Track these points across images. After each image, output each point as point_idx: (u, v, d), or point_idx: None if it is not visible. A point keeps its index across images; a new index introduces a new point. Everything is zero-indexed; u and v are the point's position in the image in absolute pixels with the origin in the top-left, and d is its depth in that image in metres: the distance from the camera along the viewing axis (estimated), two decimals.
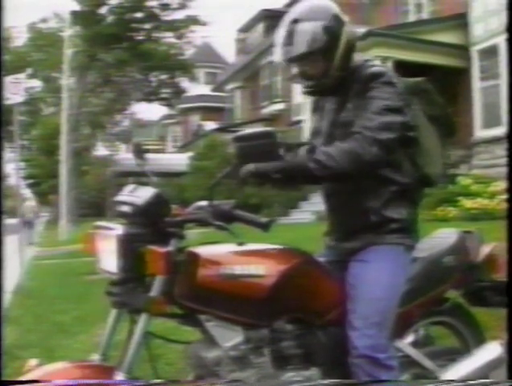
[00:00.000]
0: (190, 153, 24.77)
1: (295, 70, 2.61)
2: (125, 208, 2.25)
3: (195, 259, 2.28)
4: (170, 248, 2.19)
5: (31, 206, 27.98)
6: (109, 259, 2.20)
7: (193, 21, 32.71)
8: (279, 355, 2.39)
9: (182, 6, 31.88)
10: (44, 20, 48.95)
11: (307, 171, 2.32)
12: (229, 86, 34.90)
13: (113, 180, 32.03)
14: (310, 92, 2.67)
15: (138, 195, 2.26)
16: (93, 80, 33.36)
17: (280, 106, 26.95)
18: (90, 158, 42.83)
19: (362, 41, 17.87)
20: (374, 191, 2.57)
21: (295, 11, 2.56)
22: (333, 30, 2.51)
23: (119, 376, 2.10)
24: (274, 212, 16.54)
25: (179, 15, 32.35)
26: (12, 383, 1.97)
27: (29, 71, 40.77)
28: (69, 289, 8.52)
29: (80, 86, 31.83)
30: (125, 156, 33.19)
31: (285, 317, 2.42)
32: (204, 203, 2.35)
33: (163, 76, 34.62)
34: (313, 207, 15.95)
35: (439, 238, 2.88)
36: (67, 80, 28.88)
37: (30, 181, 46.26)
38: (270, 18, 29.45)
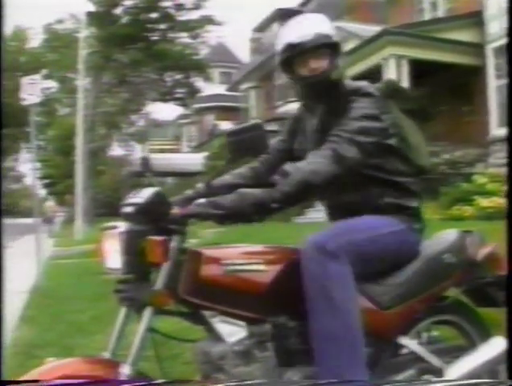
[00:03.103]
0: (205, 153, 24.81)
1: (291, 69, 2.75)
2: (128, 209, 2.35)
3: (197, 256, 2.38)
4: (167, 237, 2.28)
5: (51, 205, 28.27)
6: (113, 257, 2.30)
7: (208, 21, 32.75)
8: (283, 350, 2.44)
9: (197, 6, 31.94)
10: (60, 21, 49.17)
11: (308, 186, 2.42)
12: (244, 86, 34.93)
13: (128, 180, 32.11)
14: (300, 91, 2.82)
15: (140, 195, 2.36)
16: (109, 80, 33.46)
17: (295, 105, 26.88)
18: (106, 158, 43.03)
19: (377, 40, 17.85)
20: (372, 189, 2.72)
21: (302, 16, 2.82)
22: (332, 37, 2.69)
23: (125, 369, 2.16)
24: (291, 212, 16.50)
25: (194, 15, 32.44)
26: (12, 383, 1.99)
27: (44, 72, 41.02)
28: (85, 289, 8.54)
29: (95, 86, 31.96)
30: (140, 156, 33.25)
31: (286, 312, 2.46)
32: (202, 199, 2.40)
33: (178, 76, 34.66)
34: None
35: (439, 237, 2.95)
36: (82, 81, 29.00)
37: (47, 181, 46.55)
38: (285, 17, 29.39)
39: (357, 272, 2.46)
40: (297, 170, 2.42)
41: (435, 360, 2.73)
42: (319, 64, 2.66)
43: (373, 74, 17.33)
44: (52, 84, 44.25)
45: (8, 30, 58.66)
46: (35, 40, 52.60)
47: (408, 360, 2.71)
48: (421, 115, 2.90)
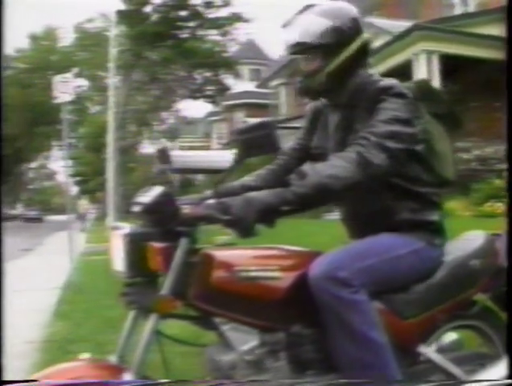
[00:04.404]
0: (233, 150, 24.79)
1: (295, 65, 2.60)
2: (136, 208, 2.26)
3: (210, 260, 2.25)
4: (170, 244, 2.17)
5: (84, 202, 28.62)
6: (118, 259, 2.23)
7: (237, 18, 32.82)
8: (297, 359, 2.31)
9: (226, 4, 32.03)
10: (90, 20, 49.69)
11: (325, 190, 2.23)
12: (274, 82, 34.93)
13: (159, 177, 32.30)
14: (301, 90, 2.62)
15: (148, 194, 2.25)
16: (139, 78, 33.70)
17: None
18: (137, 156, 43.32)
19: (408, 35, 17.75)
20: (395, 201, 2.52)
21: (315, 7, 2.55)
22: (342, 33, 2.47)
23: (127, 376, 2.08)
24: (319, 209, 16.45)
25: (223, 13, 32.53)
26: (12, 383, 1.98)
27: (76, 70, 41.43)
28: (117, 285, 8.63)
29: (125, 84, 32.20)
30: (171, 153, 33.46)
31: (302, 320, 2.33)
32: (212, 200, 2.25)
33: (208, 74, 34.79)
34: None
35: (464, 240, 2.77)
36: (113, 79, 29.25)
37: (78, 178, 47.00)
38: None
39: (375, 291, 2.32)
40: (315, 172, 2.24)
41: (454, 369, 2.56)
42: (309, 66, 2.53)
43: (404, 70, 17.25)
44: (83, 83, 44.69)
45: (39, 29, 59.39)
46: (66, 39, 53.17)
47: (427, 369, 2.55)
48: (451, 121, 2.69)
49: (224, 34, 33.62)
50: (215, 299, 2.22)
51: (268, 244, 2.51)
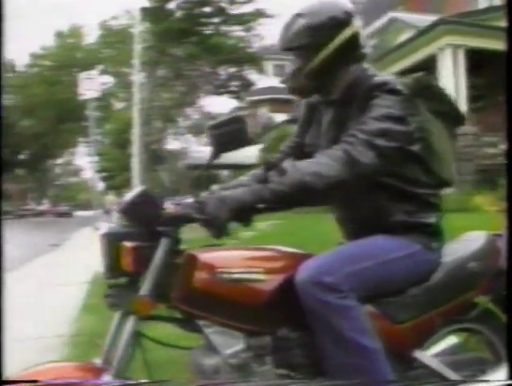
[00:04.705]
0: (260, 146, 24.85)
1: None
2: (117, 208, 2.25)
3: (192, 261, 2.19)
4: (141, 244, 2.12)
5: (110, 198, 28.81)
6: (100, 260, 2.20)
7: (261, 14, 32.76)
8: (283, 364, 2.24)
9: (249, 0, 32.01)
10: (115, 17, 49.93)
11: (306, 188, 2.14)
12: None
13: (184, 173, 32.42)
14: (289, 89, 2.57)
15: (129, 194, 2.23)
16: (164, 74, 33.82)
17: None
18: (161, 151, 43.46)
19: (433, 30, 17.64)
20: (389, 202, 2.43)
21: (304, 6, 2.49)
22: (320, 31, 2.38)
23: (106, 378, 2.05)
24: None
25: (247, 9, 32.51)
26: (12, 383, 1.96)
27: (101, 67, 41.71)
28: None
29: (150, 81, 32.33)
30: (196, 149, 33.57)
31: (288, 323, 2.26)
32: (190, 200, 2.23)
33: (232, 69, 34.80)
34: None
35: (464, 242, 2.66)
36: (137, 75, 29.38)
37: (104, 174, 47.33)
38: None
39: (366, 295, 2.24)
40: (296, 169, 2.16)
41: (451, 374, 2.46)
42: (293, 65, 2.47)
43: (428, 65, 17.15)
44: (108, 80, 44.98)
45: (64, 28, 59.83)
46: (91, 37, 53.52)
47: (423, 374, 2.43)
48: (453, 118, 2.59)
49: (248, 30, 33.59)
50: (198, 301, 2.17)
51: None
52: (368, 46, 2.56)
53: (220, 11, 31.94)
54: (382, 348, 2.20)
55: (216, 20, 32.38)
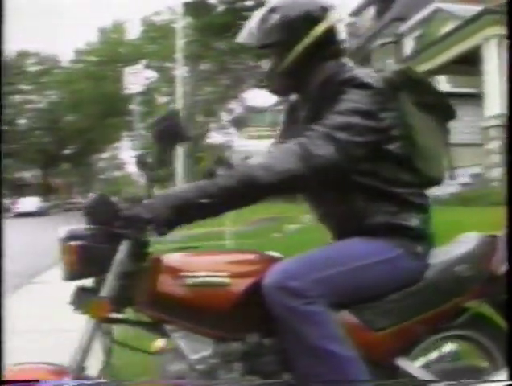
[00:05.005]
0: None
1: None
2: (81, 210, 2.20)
3: (157, 265, 2.14)
4: (88, 244, 2.08)
5: (155, 192, 29.07)
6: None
7: None
8: (252, 371, 2.16)
9: None
10: (157, 13, 50.26)
11: (254, 182, 2.04)
12: None
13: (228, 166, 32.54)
14: (269, 88, 2.54)
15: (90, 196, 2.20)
16: (206, 68, 34.00)
17: None
18: (205, 145, 43.70)
19: (477, 20, 17.37)
20: (367, 202, 2.27)
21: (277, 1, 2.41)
22: (290, 28, 2.31)
23: (66, 379, 2.02)
24: None
25: None
26: (12, 383, 1.95)
27: (144, 62, 42.03)
28: None
29: (193, 75, 32.54)
30: (239, 142, 33.68)
31: (258, 330, 2.17)
32: (146, 201, 2.11)
33: None
34: None
35: (453, 244, 2.47)
36: (180, 70, 29.56)
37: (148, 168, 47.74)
38: (381, 1, 28.99)
39: (338, 302, 2.13)
40: (245, 163, 2.11)
41: (437, 382, 2.32)
42: (270, 64, 2.47)
43: (474, 56, 16.92)
44: (152, 74, 45.34)
45: (108, 24, 60.51)
46: (134, 32, 53.99)
47: (406, 383, 2.29)
48: (443, 112, 2.41)
49: None
50: (163, 306, 2.12)
51: None
52: (347, 40, 2.48)
53: (262, 4, 31.94)
54: (357, 356, 2.09)
55: None
